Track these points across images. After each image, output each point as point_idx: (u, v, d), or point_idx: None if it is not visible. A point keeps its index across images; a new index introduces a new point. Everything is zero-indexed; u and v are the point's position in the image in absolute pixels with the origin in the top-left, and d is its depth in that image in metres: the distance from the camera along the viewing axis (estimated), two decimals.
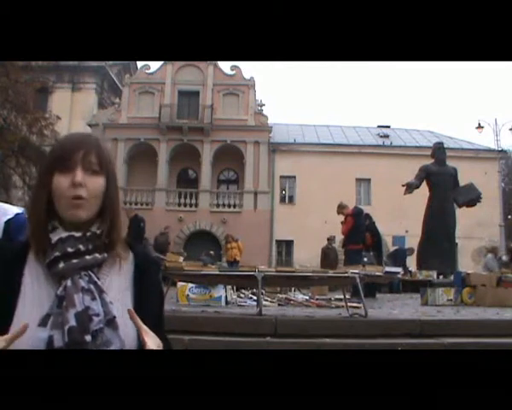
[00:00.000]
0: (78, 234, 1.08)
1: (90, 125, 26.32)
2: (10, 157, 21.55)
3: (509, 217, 31.15)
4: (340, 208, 9.31)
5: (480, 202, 13.55)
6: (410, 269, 14.23)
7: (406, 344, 3.98)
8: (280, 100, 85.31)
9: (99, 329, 1.04)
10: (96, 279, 1.09)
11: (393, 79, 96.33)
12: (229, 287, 7.48)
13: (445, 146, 14.67)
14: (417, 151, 23.78)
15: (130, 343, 1.07)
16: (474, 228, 22.85)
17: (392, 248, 19.33)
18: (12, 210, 2.83)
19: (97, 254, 1.10)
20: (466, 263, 20.24)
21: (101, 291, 1.07)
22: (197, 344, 3.84)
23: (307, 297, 8.03)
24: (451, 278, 10.42)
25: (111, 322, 1.06)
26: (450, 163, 13.83)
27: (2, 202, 3.13)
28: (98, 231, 1.11)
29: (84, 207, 1.08)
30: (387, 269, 7.30)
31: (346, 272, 5.51)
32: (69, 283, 1.06)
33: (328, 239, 15.17)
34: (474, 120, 58.16)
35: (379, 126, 30.24)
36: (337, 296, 7.92)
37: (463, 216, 15.37)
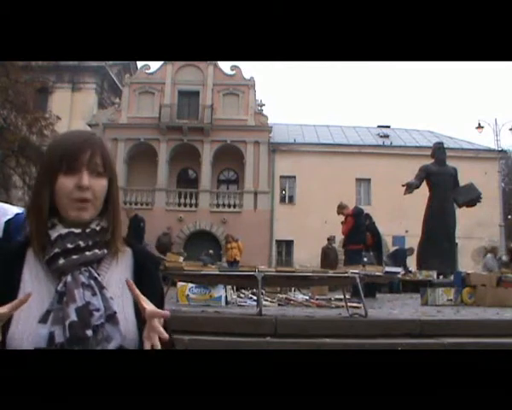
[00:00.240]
0: (77, 230, 1.09)
1: (90, 125, 26.28)
2: (10, 157, 21.56)
3: (509, 217, 31.15)
4: (341, 208, 9.32)
5: (480, 202, 13.54)
6: (410, 269, 14.23)
7: (406, 344, 3.98)
8: (280, 100, 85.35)
9: (100, 324, 1.04)
10: (96, 275, 1.09)
11: (393, 79, 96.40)
12: (229, 287, 7.48)
13: (445, 146, 14.65)
14: (417, 151, 23.76)
15: (130, 339, 1.08)
16: (474, 228, 22.84)
17: (392, 249, 19.33)
18: (12, 210, 2.84)
19: (97, 250, 1.10)
20: (466, 263, 20.24)
21: (101, 287, 1.08)
22: (197, 344, 3.84)
23: (307, 297, 8.03)
24: (451, 278, 10.42)
25: (111, 317, 1.06)
26: (451, 163, 13.82)
27: (2, 202, 3.13)
28: (98, 228, 1.11)
29: (89, 208, 1.09)
30: (387, 269, 7.32)
31: (346, 272, 5.51)
32: (69, 278, 1.06)
33: (328, 239, 15.18)
34: (474, 120, 58.20)
35: (379, 126, 30.22)
36: (337, 296, 7.91)
37: (463, 216, 15.37)
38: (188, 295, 7.14)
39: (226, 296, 7.30)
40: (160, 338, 1.02)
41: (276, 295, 8.05)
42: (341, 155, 25.94)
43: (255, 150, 26.12)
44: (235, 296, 7.83)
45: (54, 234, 1.08)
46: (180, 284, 7.18)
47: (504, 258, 13.13)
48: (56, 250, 1.07)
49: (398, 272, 9.13)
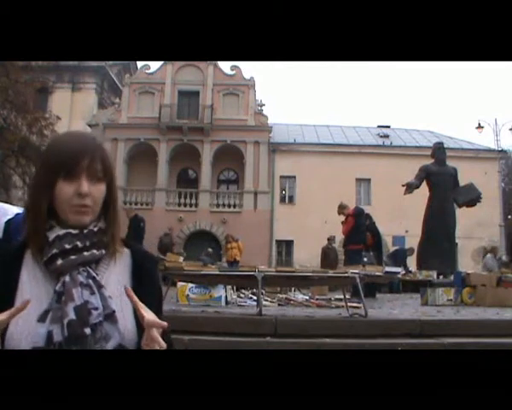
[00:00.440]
0: (75, 231, 1.09)
1: (90, 125, 26.32)
2: (10, 157, 21.56)
3: (509, 217, 31.14)
4: (341, 209, 9.32)
5: (480, 202, 13.53)
6: (410, 269, 14.23)
7: (406, 344, 3.98)
8: (280, 100, 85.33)
9: (98, 322, 1.04)
10: (94, 275, 1.09)
11: (393, 79, 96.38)
12: (229, 287, 7.48)
13: (445, 146, 14.65)
14: (417, 151, 23.75)
15: (129, 337, 1.08)
16: (474, 228, 22.84)
17: (392, 249, 19.33)
18: (12, 210, 2.84)
19: (95, 251, 1.11)
20: (466, 263, 20.24)
21: (99, 286, 1.08)
22: (197, 344, 3.84)
23: (307, 297, 8.02)
24: (451, 278, 10.42)
25: (110, 316, 1.06)
26: (451, 163, 13.81)
27: (3, 202, 3.14)
28: (95, 229, 1.11)
29: (89, 213, 1.09)
30: (387, 269, 7.31)
31: (346, 272, 5.51)
32: (67, 278, 1.06)
33: (328, 239, 15.19)
34: (474, 120, 58.17)
35: (379, 126, 30.22)
36: (337, 296, 7.91)
37: (463, 216, 15.37)
38: (188, 295, 7.14)
39: (226, 296, 7.30)
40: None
41: (276, 295, 8.05)
42: (341, 155, 25.94)
43: (255, 150, 26.12)
44: (235, 296, 7.83)
45: (51, 235, 1.08)
46: (180, 283, 7.18)
47: (504, 258, 13.12)
48: (54, 251, 1.07)
49: (398, 272, 9.11)
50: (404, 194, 13.06)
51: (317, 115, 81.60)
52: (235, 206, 25.87)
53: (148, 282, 1.17)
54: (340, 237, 12.14)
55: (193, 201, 25.88)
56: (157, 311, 1.15)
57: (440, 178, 12.89)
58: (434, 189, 12.98)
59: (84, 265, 1.09)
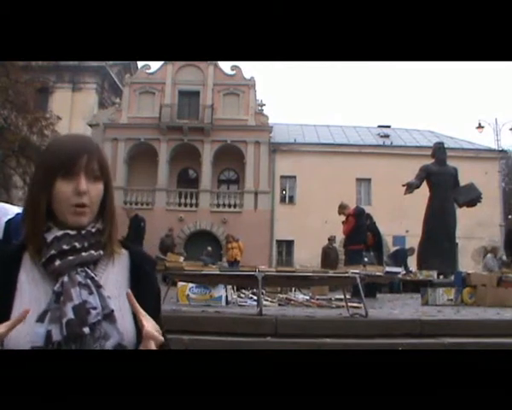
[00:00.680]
0: (72, 232, 1.10)
1: (90, 125, 26.32)
2: (11, 157, 21.58)
3: (510, 217, 31.12)
4: (342, 208, 9.31)
5: (481, 202, 13.52)
6: (410, 269, 14.22)
7: (406, 344, 3.98)
8: (280, 100, 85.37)
9: (97, 322, 1.05)
10: (92, 275, 1.10)
11: (393, 79, 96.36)
12: (229, 287, 7.48)
13: (446, 146, 14.63)
14: (418, 151, 23.73)
15: (128, 337, 1.08)
16: (475, 228, 22.83)
17: (392, 249, 19.33)
18: (13, 210, 2.85)
19: (93, 252, 1.11)
20: (466, 263, 20.24)
21: (98, 286, 1.09)
22: (197, 344, 3.83)
23: (308, 297, 8.02)
24: (452, 278, 10.41)
25: (109, 316, 1.07)
26: (451, 163, 13.81)
27: (3, 202, 3.14)
28: (93, 230, 1.12)
29: (87, 213, 1.10)
30: (388, 269, 7.30)
31: (347, 272, 5.51)
32: (66, 278, 1.07)
33: (328, 239, 15.19)
34: (474, 120, 58.21)
35: (379, 126, 30.21)
36: (337, 296, 7.91)
37: (464, 216, 15.36)
38: (188, 295, 7.14)
39: (226, 296, 7.29)
40: None
41: (276, 295, 8.05)
42: (342, 154, 25.92)
43: (255, 150, 26.11)
44: (235, 296, 7.83)
45: (50, 236, 1.09)
46: (180, 283, 7.18)
47: (504, 258, 13.11)
48: (52, 252, 1.08)
49: (399, 272, 9.10)
50: (405, 194, 13.05)
51: (317, 115, 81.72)
52: (235, 206, 25.86)
53: (146, 283, 1.17)
54: (340, 236, 12.14)
55: (193, 201, 25.88)
56: (155, 313, 1.15)
57: (441, 178, 12.89)
58: (435, 189, 12.98)
59: (83, 265, 1.10)
